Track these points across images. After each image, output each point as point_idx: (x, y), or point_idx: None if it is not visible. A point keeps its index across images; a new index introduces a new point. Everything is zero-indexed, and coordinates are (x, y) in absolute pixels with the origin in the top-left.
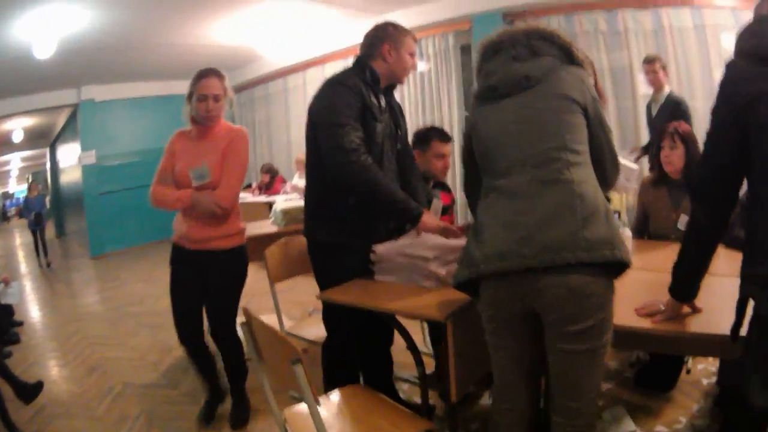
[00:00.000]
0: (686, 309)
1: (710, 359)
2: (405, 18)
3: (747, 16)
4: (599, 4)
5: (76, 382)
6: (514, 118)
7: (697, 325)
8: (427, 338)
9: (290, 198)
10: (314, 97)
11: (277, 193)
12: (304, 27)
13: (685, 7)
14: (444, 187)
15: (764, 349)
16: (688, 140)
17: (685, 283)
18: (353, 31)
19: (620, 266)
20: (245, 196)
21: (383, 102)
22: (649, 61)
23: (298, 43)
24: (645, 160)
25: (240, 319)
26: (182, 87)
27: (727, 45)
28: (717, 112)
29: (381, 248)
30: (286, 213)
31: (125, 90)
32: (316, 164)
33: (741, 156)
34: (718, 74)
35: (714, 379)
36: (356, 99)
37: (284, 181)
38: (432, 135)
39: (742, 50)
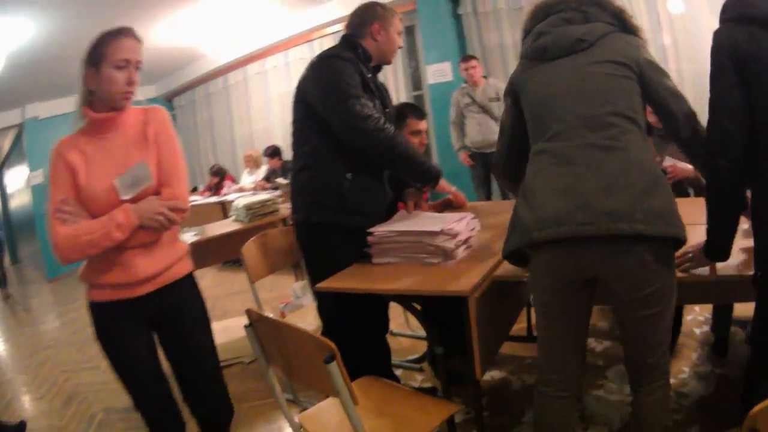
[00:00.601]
0: None
1: (697, 309)
2: (347, 3)
3: None
4: None
5: (57, 415)
6: (567, 80)
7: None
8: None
9: (245, 195)
10: (309, 71)
11: (227, 194)
12: (243, 21)
13: None
14: None
15: None
16: None
17: (721, 244)
18: (292, 22)
19: (676, 241)
20: (195, 199)
21: (373, 81)
22: None
23: (238, 39)
24: None
25: (240, 322)
26: None
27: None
28: (719, 71)
29: (379, 229)
30: (250, 208)
31: (71, 104)
32: (305, 140)
33: (747, 106)
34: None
35: (705, 327)
36: (356, 74)
37: (234, 181)
38: (407, 111)
39: (730, 17)
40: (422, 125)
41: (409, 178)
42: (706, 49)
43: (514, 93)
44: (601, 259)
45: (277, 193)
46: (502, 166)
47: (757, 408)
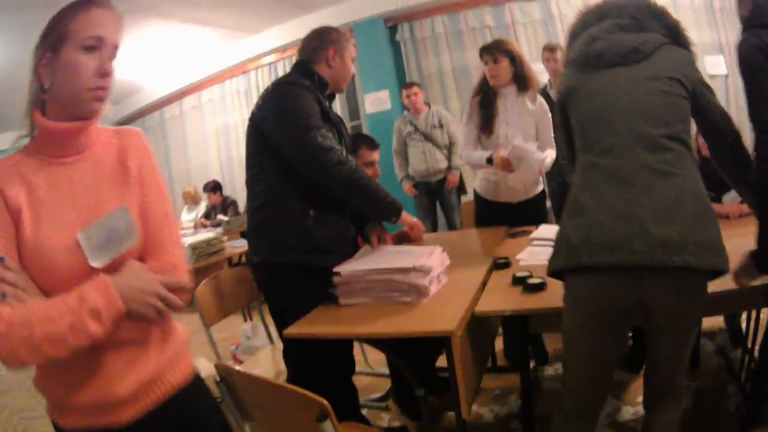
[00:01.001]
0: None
1: None
2: (283, 33)
3: None
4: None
5: None
6: (624, 92)
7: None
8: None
9: (186, 233)
10: (265, 100)
11: None
12: (179, 53)
13: None
14: None
15: None
16: None
17: None
18: (227, 54)
19: (720, 272)
20: None
21: (330, 110)
22: (551, 49)
23: (173, 72)
24: None
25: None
26: None
27: None
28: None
29: (347, 268)
30: (195, 248)
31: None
32: (262, 174)
33: None
34: None
35: None
36: (315, 103)
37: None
38: (359, 142)
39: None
40: (375, 156)
41: (370, 213)
42: None
43: (561, 100)
44: (650, 288)
45: (219, 230)
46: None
47: None
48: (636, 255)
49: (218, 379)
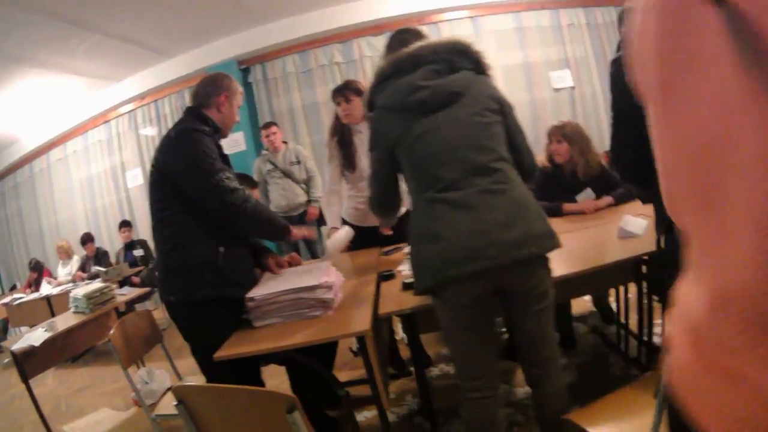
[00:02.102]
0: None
1: None
2: (142, 80)
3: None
4: (334, 37)
5: None
6: (453, 131)
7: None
8: None
9: (66, 288)
10: (169, 147)
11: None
12: (49, 104)
13: (422, 26)
14: None
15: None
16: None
17: None
18: (90, 104)
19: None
20: (21, 296)
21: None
22: None
23: (40, 124)
24: None
25: (101, 415)
26: None
27: None
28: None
29: (257, 293)
30: (90, 298)
31: None
32: (170, 219)
33: None
34: None
35: None
36: (214, 145)
37: (51, 275)
38: (242, 181)
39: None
40: (256, 194)
41: (270, 238)
42: None
43: (389, 146)
44: (508, 276)
45: (99, 281)
46: (385, 204)
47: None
48: (495, 259)
49: (176, 402)
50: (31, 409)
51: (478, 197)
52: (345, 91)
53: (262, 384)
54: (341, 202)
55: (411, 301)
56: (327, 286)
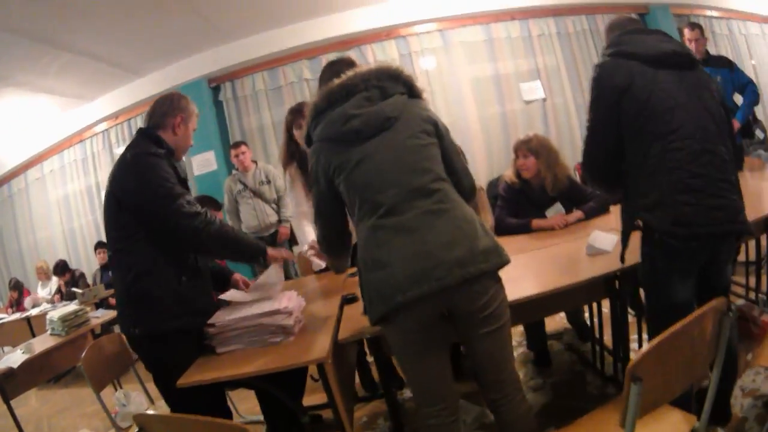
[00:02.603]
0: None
1: None
2: (114, 100)
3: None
4: (302, 53)
5: None
6: (389, 156)
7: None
8: None
9: (45, 309)
10: (125, 173)
11: (25, 310)
12: (26, 123)
13: (391, 40)
14: None
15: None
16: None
17: None
18: (65, 123)
19: (504, 264)
20: (2, 317)
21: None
22: None
23: (20, 143)
24: None
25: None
26: None
27: (427, 66)
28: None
29: (219, 320)
30: (65, 320)
31: None
32: (131, 248)
33: None
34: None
35: (522, 348)
36: (170, 168)
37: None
38: (205, 203)
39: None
40: (220, 216)
41: (241, 260)
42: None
43: (328, 178)
44: (456, 295)
45: (76, 302)
46: (334, 243)
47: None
48: (441, 280)
49: (137, 430)
50: (13, 429)
51: (420, 219)
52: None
53: (227, 410)
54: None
55: (370, 327)
56: (286, 312)
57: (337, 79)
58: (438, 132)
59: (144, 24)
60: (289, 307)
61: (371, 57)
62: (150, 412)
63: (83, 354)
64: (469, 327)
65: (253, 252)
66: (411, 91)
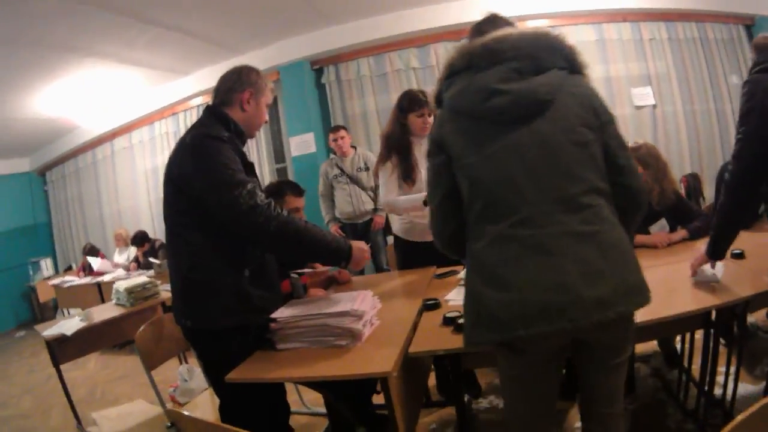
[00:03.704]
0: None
1: None
2: (211, 75)
3: None
4: (410, 41)
5: None
6: (536, 152)
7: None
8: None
9: (118, 276)
10: (185, 155)
11: (101, 273)
12: (113, 93)
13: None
14: None
15: None
16: None
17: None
18: (157, 95)
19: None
20: (72, 279)
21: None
22: None
23: (105, 111)
24: None
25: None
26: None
27: None
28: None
29: (282, 315)
30: (131, 292)
31: None
32: (189, 236)
33: None
34: None
35: None
36: (238, 157)
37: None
38: (285, 188)
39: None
40: (301, 202)
41: (319, 261)
42: None
43: (447, 152)
44: (587, 334)
45: (151, 272)
46: (448, 240)
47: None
48: (575, 322)
49: (169, 424)
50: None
51: (561, 240)
52: (431, 103)
53: (285, 405)
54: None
55: (449, 340)
56: (357, 315)
57: (481, 39)
58: (601, 123)
59: (242, 3)
60: (360, 309)
61: None
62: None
63: (139, 330)
64: (597, 357)
65: (334, 252)
66: (572, 65)
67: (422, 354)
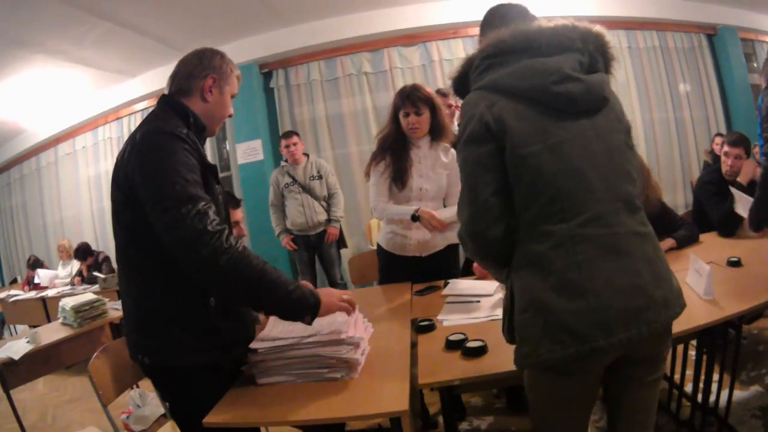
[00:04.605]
0: None
1: None
2: (157, 78)
3: None
4: (363, 44)
5: None
6: (600, 149)
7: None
8: None
9: (63, 291)
10: (127, 158)
11: (45, 288)
12: (58, 95)
13: (458, 39)
14: None
15: None
16: None
17: None
18: (102, 98)
19: None
20: (17, 294)
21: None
22: (443, 95)
23: (51, 115)
24: None
25: None
26: None
27: None
28: None
29: (263, 344)
30: (78, 311)
31: None
32: (145, 252)
33: None
34: None
35: None
36: (196, 158)
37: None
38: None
39: None
40: (239, 214)
41: (275, 313)
42: None
43: (502, 139)
44: (640, 348)
45: (96, 288)
46: (492, 243)
47: None
48: (651, 325)
49: None
50: (14, 418)
51: (632, 240)
52: (419, 103)
53: None
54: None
55: (461, 367)
56: (352, 343)
57: (545, 22)
58: (628, 131)
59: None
60: (356, 336)
61: (436, 55)
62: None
63: (91, 360)
64: (638, 373)
65: (293, 304)
66: (606, 66)
67: (435, 385)
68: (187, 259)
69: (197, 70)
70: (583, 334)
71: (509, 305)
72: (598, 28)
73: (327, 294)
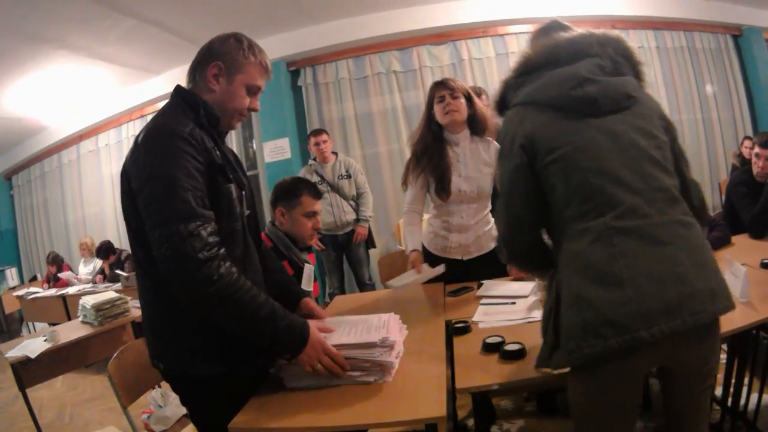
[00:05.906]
0: None
1: None
2: (182, 75)
3: None
4: (392, 43)
5: None
6: (633, 141)
7: None
8: None
9: (85, 289)
10: (130, 157)
11: (65, 285)
12: (81, 92)
13: (487, 38)
14: (312, 252)
15: None
16: None
17: None
18: (126, 96)
19: None
20: (36, 291)
21: (221, 152)
22: (477, 94)
23: (74, 112)
24: None
25: None
26: None
27: None
28: None
29: None
30: (99, 309)
31: None
32: (147, 260)
33: None
34: None
35: None
36: (200, 159)
37: (71, 270)
38: (302, 188)
39: None
40: (319, 206)
41: (262, 344)
42: None
43: (532, 152)
44: (688, 347)
45: (118, 286)
46: (521, 252)
47: None
48: (696, 315)
49: None
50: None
51: (671, 229)
52: (453, 86)
53: None
54: (421, 225)
55: (500, 371)
56: (387, 346)
57: (564, 34)
58: (669, 132)
59: None
60: (390, 338)
61: (465, 53)
62: None
63: (111, 360)
64: (686, 383)
65: (282, 339)
66: (637, 76)
67: (474, 390)
68: (175, 279)
69: (204, 58)
70: (622, 325)
71: (554, 306)
72: (615, 32)
73: (312, 344)
